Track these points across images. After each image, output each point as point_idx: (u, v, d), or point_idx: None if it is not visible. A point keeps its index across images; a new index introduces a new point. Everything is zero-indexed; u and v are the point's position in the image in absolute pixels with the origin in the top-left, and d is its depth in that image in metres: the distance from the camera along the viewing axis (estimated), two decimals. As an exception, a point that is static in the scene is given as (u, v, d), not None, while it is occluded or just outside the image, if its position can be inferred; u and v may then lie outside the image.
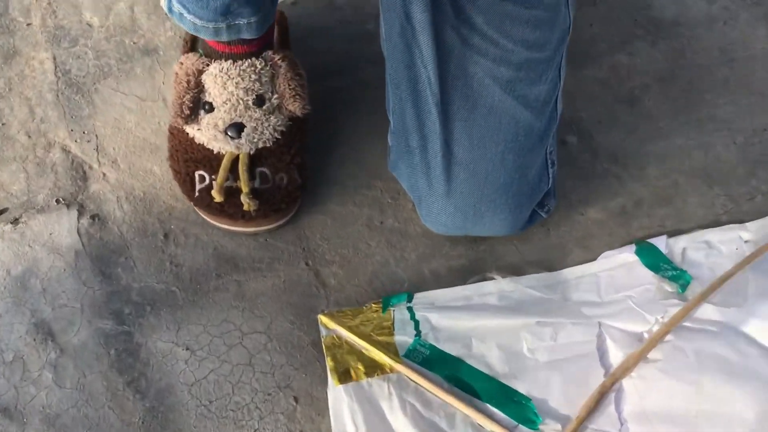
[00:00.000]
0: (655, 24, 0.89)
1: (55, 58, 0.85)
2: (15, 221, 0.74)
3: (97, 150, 0.79)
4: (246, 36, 0.66)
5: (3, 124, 0.81)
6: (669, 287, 0.68)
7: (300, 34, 0.84)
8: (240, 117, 0.69)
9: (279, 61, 0.70)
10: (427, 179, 0.66)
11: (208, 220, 0.73)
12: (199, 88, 0.69)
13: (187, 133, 0.71)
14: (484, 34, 0.63)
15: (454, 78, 0.64)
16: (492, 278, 0.71)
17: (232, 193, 0.69)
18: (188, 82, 0.68)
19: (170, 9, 0.66)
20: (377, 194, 0.76)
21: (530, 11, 0.62)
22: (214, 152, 0.70)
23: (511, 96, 0.64)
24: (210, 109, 0.69)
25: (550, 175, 0.70)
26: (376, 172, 0.77)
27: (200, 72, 0.69)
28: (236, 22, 0.65)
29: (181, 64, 0.70)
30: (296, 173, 0.72)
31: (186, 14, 0.64)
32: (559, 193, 0.74)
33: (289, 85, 0.69)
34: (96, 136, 0.80)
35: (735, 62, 0.87)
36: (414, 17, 0.62)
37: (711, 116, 0.83)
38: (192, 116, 0.70)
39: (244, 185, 0.68)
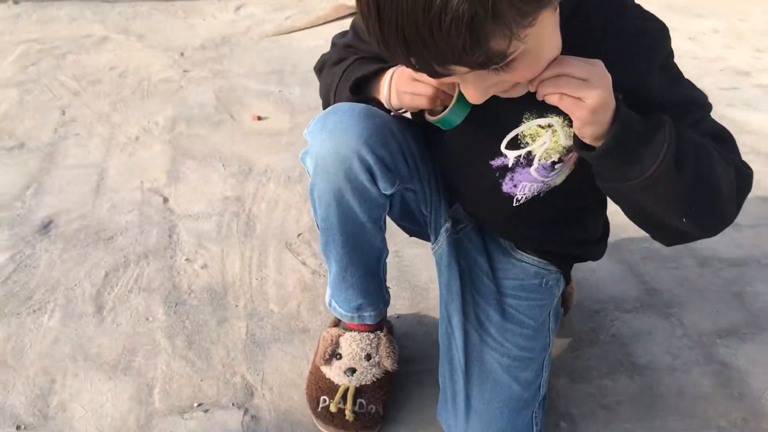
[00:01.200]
0: (632, 364, 1.34)
1: (247, 326, 1.39)
2: (206, 411, 1.21)
3: (262, 380, 1.27)
4: (367, 322, 1.18)
5: (209, 365, 1.32)
6: None
7: (398, 332, 1.35)
8: (355, 364, 1.17)
9: (383, 337, 1.20)
10: (455, 419, 1.09)
11: (322, 429, 1.16)
12: (336, 345, 1.19)
13: (322, 372, 1.19)
14: (495, 338, 1.11)
15: (474, 360, 1.10)
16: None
17: (340, 411, 1.14)
18: (332, 341, 1.19)
19: (329, 304, 1.20)
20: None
21: (522, 329, 1.11)
22: (335, 383, 1.17)
23: (508, 375, 1.09)
24: (339, 357, 1.18)
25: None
26: (430, 420, 1.20)
27: (339, 336, 1.19)
28: (363, 314, 1.17)
29: (329, 331, 1.21)
30: (381, 407, 1.16)
31: (337, 308, 1.18)
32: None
33: (386, 351, 1.18)
34: (264, 372, 1.29)
35: (684, 396, 1.27)
36: (453, 322, 1.12)
37: (663, 425, 1.22)
38: (329, 360, 1.18)
39: (349, 405, 1.13)
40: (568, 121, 0.94)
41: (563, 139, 0.97)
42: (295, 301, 1.46)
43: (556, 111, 0.93)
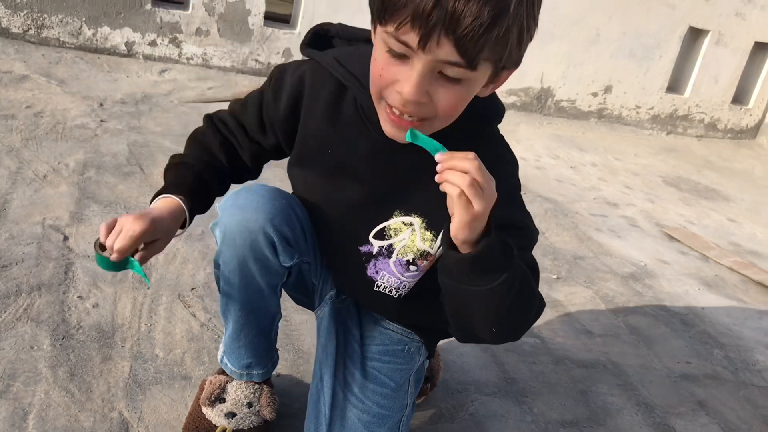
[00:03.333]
0: (485, 441, 1.48)
1: (131, 367, 1.44)
2: (80, 440, 1.24)
3: (139, 418, 1.32)
4: (254, 380, 1.27)
5: (88, 398, 1.35)
6: None
7: (277, 390, 1.44)
8: (236, 410, 1.24)
9: (266, 389, 1.28)
10: None
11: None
12: (222, 390, 1.27)
13: (203, 413, 1.26)
14: (357, 396, 1.22)
15: (338, 415, 1.21)
16: None
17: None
18: (219, 385, 1.26)
19: (221, 360, 1.29)
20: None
21: (382, 389, 1.23)
22: (213, 424, 1.24)
23: (366, 430, 1.20)
24: (223, 401, 1.26)
25: None
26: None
27: (227, 382, 1.27)
28: (251, 372, 1.27)
29: (216, 377, 1.29)
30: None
31: (228, 364, 1.27)
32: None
33: (267, 401, 1.27)
34: (141, 411, 1.33)
35: (527, 474, 1.42)
36: (324, 379, 1.23)
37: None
38: (213, 403, 1.25)
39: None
40: (426, 225, 1.10)
41: (419, 241, 1.12)
42: (181, 349, 1.52)
43: (419, 213, 1.10)
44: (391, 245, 1.14)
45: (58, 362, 1.40)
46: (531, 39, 0.92)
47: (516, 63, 0.94)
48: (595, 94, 4.22)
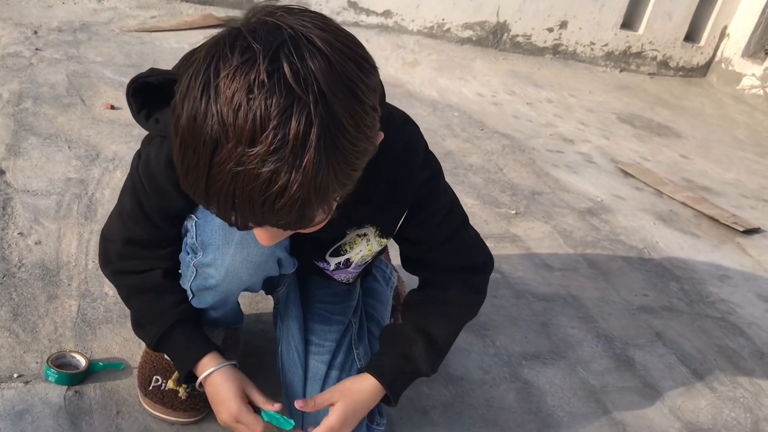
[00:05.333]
0: (448, 374, 1.46)
1: (79, 306, 1.36)
2: (27, 382, 1.17)
3: (89, 358, 1.25)
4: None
5: (34, 338, 1.27)
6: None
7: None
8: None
9: (229, 331, 1.23)
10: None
11: (150, 410, 1.16)
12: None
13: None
14: (316, 343, 1.21)
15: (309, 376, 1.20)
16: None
17: (173, 392, 1.15)
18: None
19: None
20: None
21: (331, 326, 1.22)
22: (172, 364, 1.18)
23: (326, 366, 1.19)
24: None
25: None
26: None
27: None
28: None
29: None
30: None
31: None
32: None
33: (230, 344, 1.22)
34: (92, 351, 1.27)
35: (490, 407, 1.41)
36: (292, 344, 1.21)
37: (469, 431, 1.34)
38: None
39: (184, 385, 1.15)
40: (379, 232, 1.10)
41: (375, 246, 1.12)
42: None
43: (370, 222, 1.08)
44: (348, 259, 1.14)
45: (0, 302, 1.32)
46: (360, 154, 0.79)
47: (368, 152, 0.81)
48: (550, 30, 4.16)
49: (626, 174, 2.86)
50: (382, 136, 0.85)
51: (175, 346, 1.12)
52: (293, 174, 0.71)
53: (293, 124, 0.70)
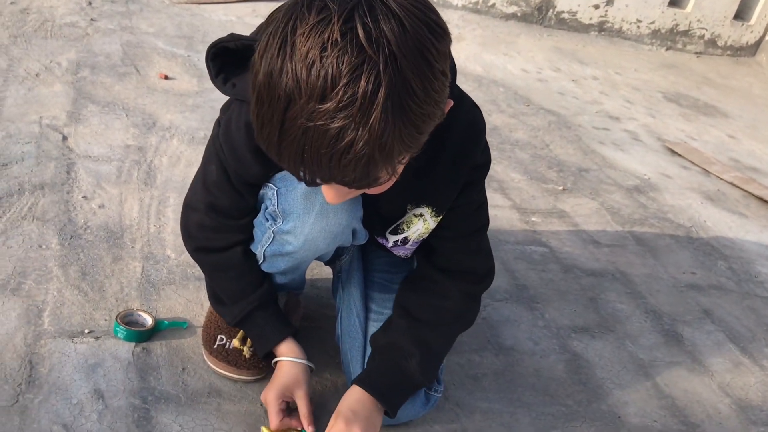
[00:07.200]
0: (499, 344, 1.48)
1: (143, 267, 1.41)
2: (97, 338, 1.21)
3: (155, 317, 1.29)
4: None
5: (102, 297, 1.32)
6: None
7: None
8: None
9: (291, 295, 1.27)
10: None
11: (215, 367, 1.21)
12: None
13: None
14: (375, 311, 1.24)
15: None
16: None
17: (237, 350, 1.19)
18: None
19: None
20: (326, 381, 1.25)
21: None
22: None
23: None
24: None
25: None
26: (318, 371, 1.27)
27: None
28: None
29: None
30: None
31: None
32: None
33: (292, 307, 1.27)
34: (157, 311, 1.31)
35: (539, 377, 1.43)
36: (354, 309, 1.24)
37: (519, 398, 1.36)
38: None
39: (249, 343, 1.19)
40: (435, 212, 1.09)
41: (432, 224, 1.11)
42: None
43: (427, 202, 1.08)
44: (406, 238, 1.14)
45: (68, 261, 1.37)
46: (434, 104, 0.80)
47: (438, 116, 0.82)
48: (596, 6, 4.10)
49: (673, 153, 2.83)
50: (451, 103, 0.86)
51: (255, 329, 1.18)
52: (360, 131, 0.73)
53: (362, 83, 0.72)
